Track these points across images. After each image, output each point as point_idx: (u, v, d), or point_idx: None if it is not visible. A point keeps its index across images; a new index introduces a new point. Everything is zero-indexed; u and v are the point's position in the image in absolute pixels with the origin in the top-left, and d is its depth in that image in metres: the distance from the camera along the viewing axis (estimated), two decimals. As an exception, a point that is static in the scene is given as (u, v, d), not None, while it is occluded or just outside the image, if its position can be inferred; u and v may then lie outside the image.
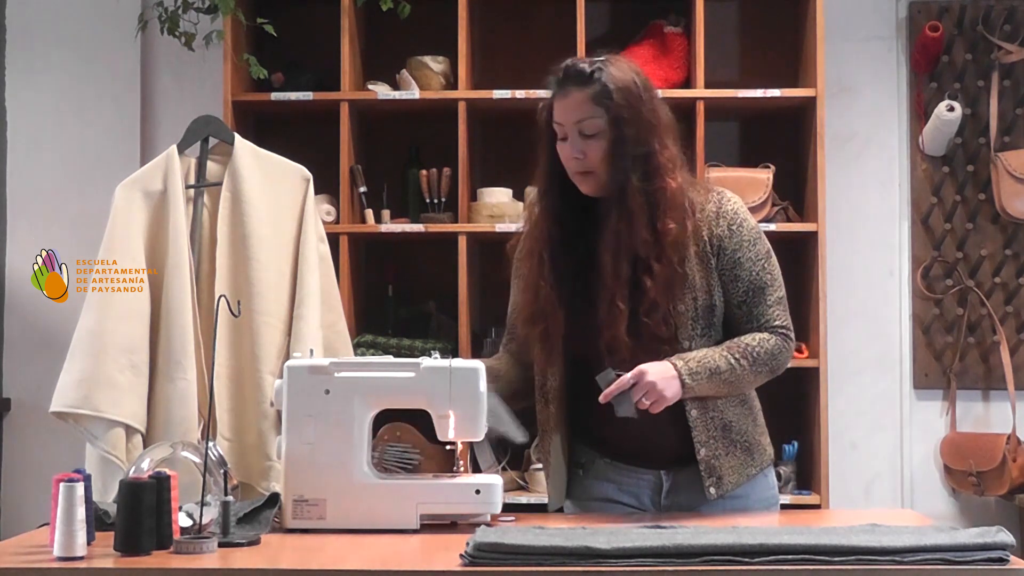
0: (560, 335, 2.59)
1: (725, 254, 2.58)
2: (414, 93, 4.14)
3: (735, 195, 2.67)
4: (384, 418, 2.59)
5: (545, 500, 3.96)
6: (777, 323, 2.60)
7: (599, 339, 2.55)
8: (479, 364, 2.48)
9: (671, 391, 2.47)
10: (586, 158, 2.53)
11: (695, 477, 2.58)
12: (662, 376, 2.46)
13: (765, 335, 2.58)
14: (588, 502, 2.69)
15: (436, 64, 4.20)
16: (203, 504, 2.25)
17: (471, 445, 2.53)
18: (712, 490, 2.57)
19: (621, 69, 2.56)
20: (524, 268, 2.68)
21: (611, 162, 2.53)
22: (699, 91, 4.11)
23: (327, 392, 2.41)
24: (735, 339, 2.58)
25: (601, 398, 2.45)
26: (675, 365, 2.49)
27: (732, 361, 2.53)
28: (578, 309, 2.59)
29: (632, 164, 2.52)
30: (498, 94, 4.11)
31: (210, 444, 2.34)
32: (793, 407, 4.23)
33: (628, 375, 2.45)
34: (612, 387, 2.45)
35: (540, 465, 4.05)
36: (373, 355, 3.81)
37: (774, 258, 2.64)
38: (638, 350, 2.51)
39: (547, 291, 2.59)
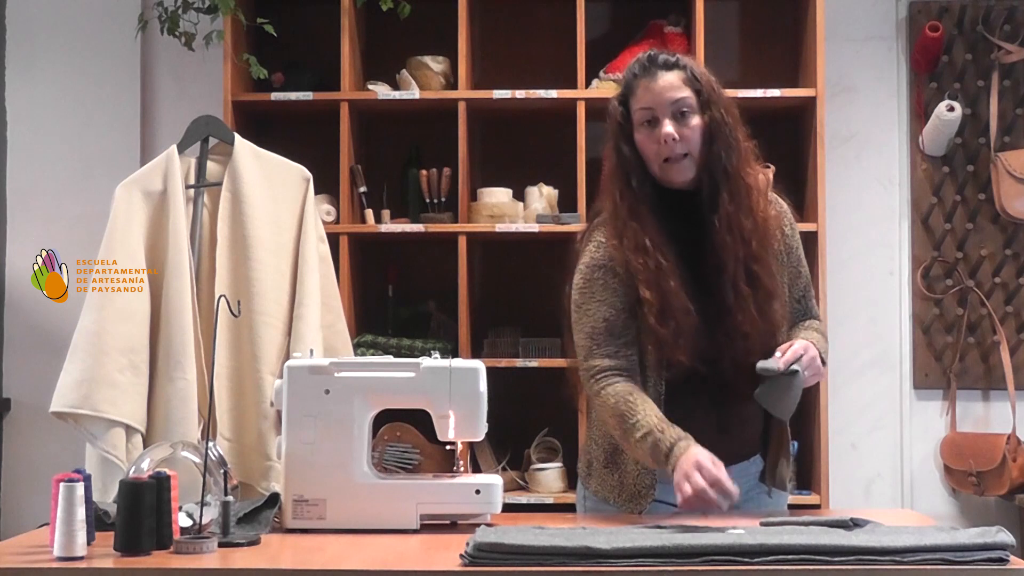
0: (693, 330, 2.49)
1: (792, 251, 2.67)
2: (414, 93, 4.13)
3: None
4: (384, 418, 2.59)
5: (546, 500, 3.98)
6: (819, 316, 2.74)
7: (720, 330, 2.50)
8: (479, 364, 2.47)
9: (822, 370, 2.54)
10: (684, 140, 2.51)
11: (742, 475, 2.56)
12: (816, 354, 2.51)
13: (820, 335, 2.65)
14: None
15: (436, 64, 4.19)
16: (203, 504, 2.25)
17: (471, 445, 2.52)
18: (767, 482, 2.63)
19: (698, 63, 2.62)
20: (638, 265, 2.51)
21: (709, 143, 2.52)
22: (699, 91, 4.11)
23: (327, 392, 2.41)
24: (810, 335, 2.61)
25: (782, 362, 2.41)
26: (815, 344, 2.54)
27: (824, 355, 2.60)
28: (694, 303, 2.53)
29: (727, 148, 2.52)
30: (498, 94, 4.10)
31: (210, 444, 2.34)
32: (793, 407, 4.23)
33: (798, 344, 2.47)
34: (790, 354, 2.43)
35: (540, 465, 4.04)
36: (373, 355, 3.80)
37: None
38: (763, 336, 2.51)
39: (675, 287, 2.49)
